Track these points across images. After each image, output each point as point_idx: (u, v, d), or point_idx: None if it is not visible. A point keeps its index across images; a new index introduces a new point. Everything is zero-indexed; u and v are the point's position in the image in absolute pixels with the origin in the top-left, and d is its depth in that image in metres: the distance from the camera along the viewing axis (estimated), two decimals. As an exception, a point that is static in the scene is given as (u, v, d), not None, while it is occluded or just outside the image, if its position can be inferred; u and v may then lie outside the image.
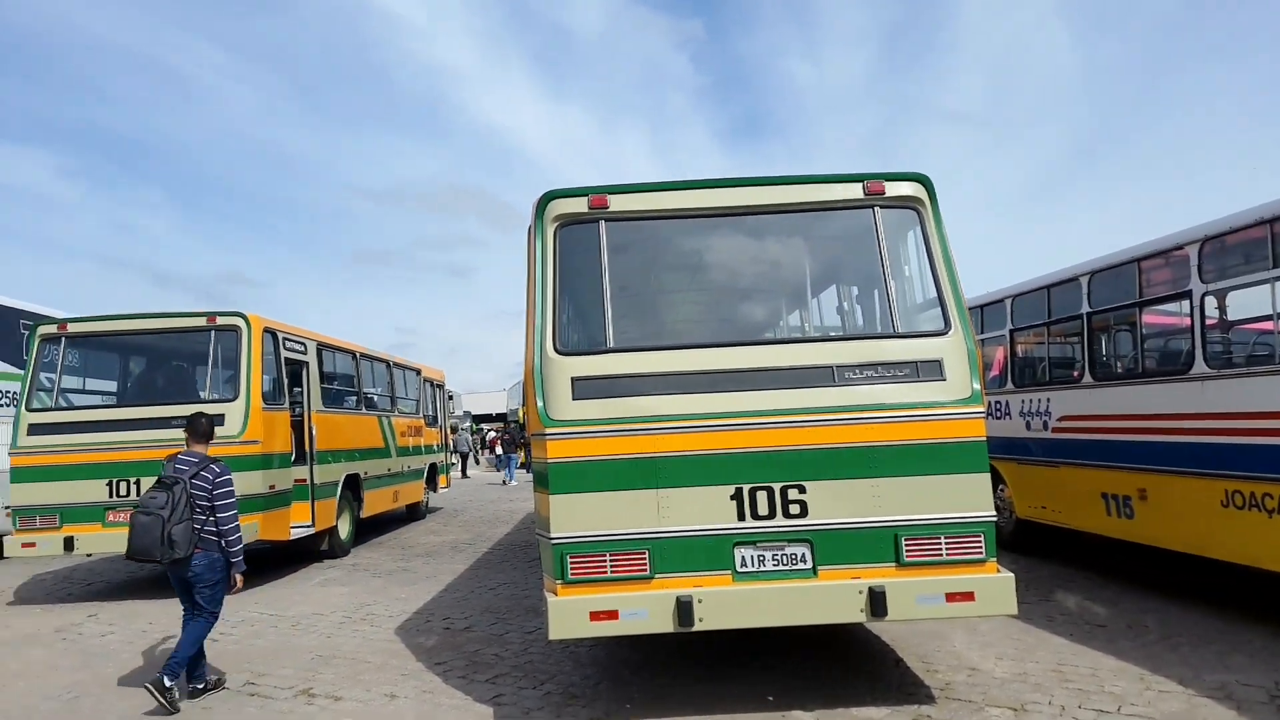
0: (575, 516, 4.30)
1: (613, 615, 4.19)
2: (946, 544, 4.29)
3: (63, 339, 8.91)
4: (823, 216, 4.79)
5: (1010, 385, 8.51)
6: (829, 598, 4.26)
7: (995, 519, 4.40)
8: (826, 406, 4.36)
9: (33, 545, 8.19)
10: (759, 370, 4.45)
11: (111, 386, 10.35)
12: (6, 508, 8.50)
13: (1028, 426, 8.15)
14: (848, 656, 5.42)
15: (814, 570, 4.30)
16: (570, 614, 4.20)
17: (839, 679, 4.93)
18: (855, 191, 4.64)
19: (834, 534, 4.31)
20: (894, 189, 4.66)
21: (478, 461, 35.10)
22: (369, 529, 13.02)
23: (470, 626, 6.59)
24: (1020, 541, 8.67)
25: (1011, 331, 8.56)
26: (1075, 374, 7.55)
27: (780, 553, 4.32)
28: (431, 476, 15.86)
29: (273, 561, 10.31)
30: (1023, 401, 8.25)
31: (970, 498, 4.32)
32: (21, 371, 9.68)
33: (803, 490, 4.32)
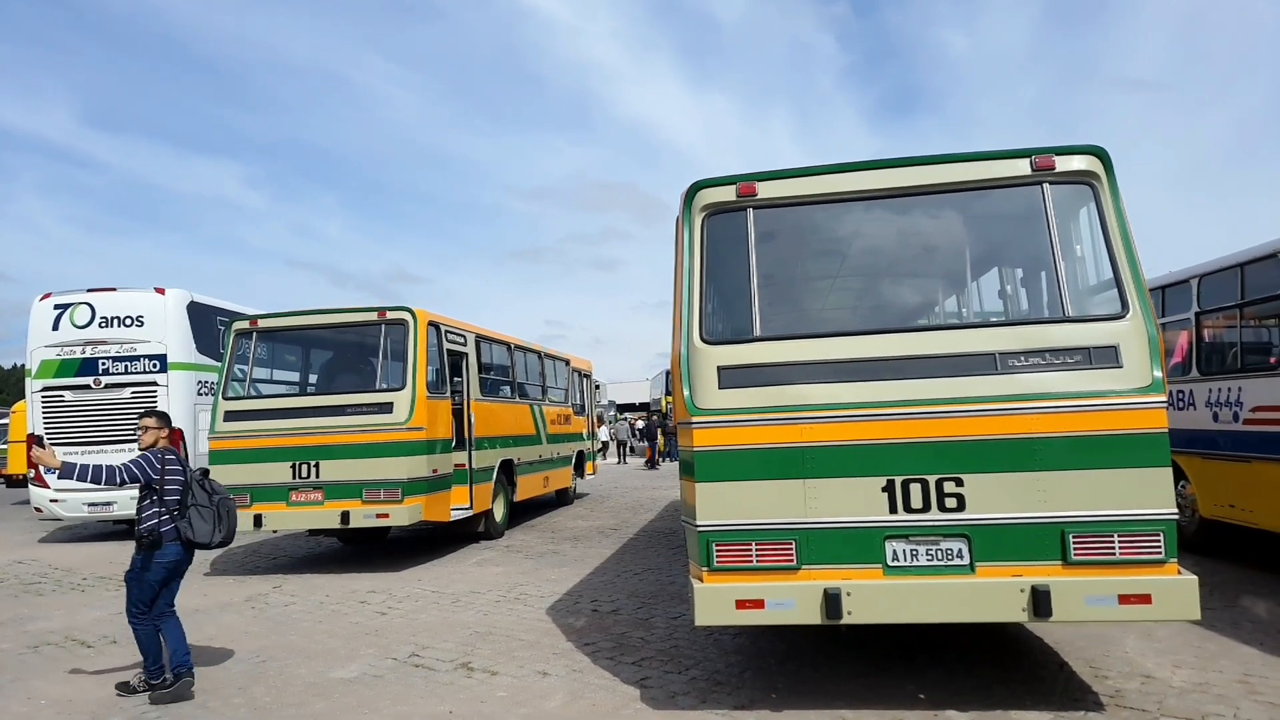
0: (721, 505, 4.30)
1: (758, 604, 4.16)
2: (1120, 542, 3.99)
3: (253, 333, 9.77)
4: (985, 196, 4.53)
5: (1195, 373, 7.78)
6: (987, 596, 4.06)
7: (1176, 517, 4.04)
8: (988, 396, 4.14)
9: (228, 520, 9.02)
10: (914, 358, 4.28)
11: (294, 376, 11.28)
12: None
13: (1215, 418, 7.42)
14: (1005, 657, 5.14)
15: (971, 566, 4.11)
16: (716, 601, 4.21)
17: (996, 679, 4.69)
18: (1021, 168, 4.37)
19: (994, 529, 4.10)
20: (1065, 163, 4.35)
21: (632, 450, 35.70)
22: (521, 513, 13.55)
23: (617, 610, 6.74)
24: (1204, 543, 7.93)
25: (1198, 315, 7.81)
26: (1272, 360, 6.81)
27: (935, 547, 4.15)
28: (579, 463, 16.31)
29: (434, 542, 10.94)
30: (1209, 391, 7.52)
31: (1148, 494, 3.99)
32: (220, 364, 10.70)
33: (960, 483, 4.13)
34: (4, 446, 21.96)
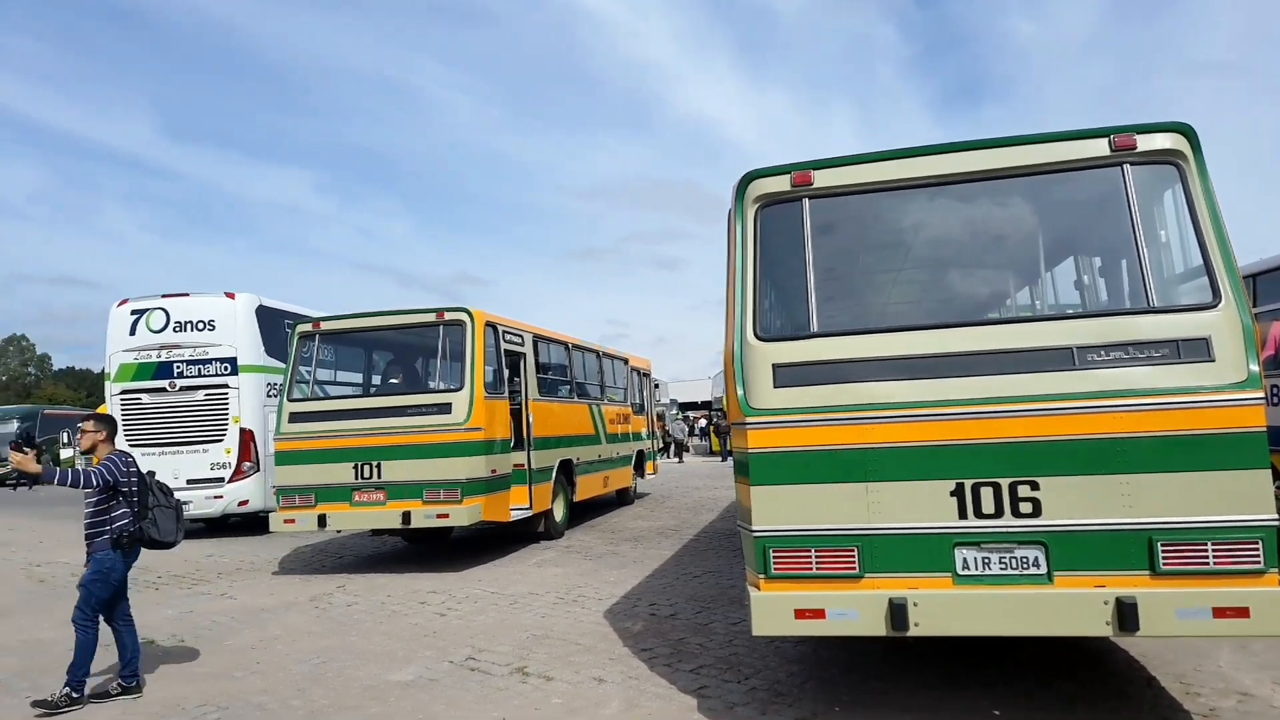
0: (778, 509, 4.12)
1: (819, 614, 3.97)
2: (1214, 551, 3.68)
3: (316, 336, 9.93)
4: (1060, 179, 4.24)
5: (1295, 368, 7.26)
6: (1067, 607, 3.79)
7: (1277, 523, 3.71)
8: (1065, 393, 3.87)
9: (292, 521, 9.19)
10: (984, 353, 4.03)
11: (356, 377, 11.45)
12: (274, 487, 9.61)
13: (1319, 416, 6.90)
14: (1086, 670, 4.84)
15: (1049, 576, 3.84)
16: (774, 610, 4.04)
17: (1076, 695, 4.41)
18: (1100, 148, 4.07)
19: (1073, 536, 3.83)
20: (1147, 142, 4.04)
21: (689, 448, 35.60)
22: (581, 513, 13.53)
23: (675, 614, 6.60)
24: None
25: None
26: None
27: (1009, 555, 3.90)
28: (640, 463, 16.22)
29: (495, 541, 10.98)
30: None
31: (1245, 498, 3.67)
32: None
33: (1035, 487, 3.87)
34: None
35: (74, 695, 4.90)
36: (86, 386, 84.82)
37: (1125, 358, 3.86)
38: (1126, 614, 3.65)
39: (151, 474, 5.33)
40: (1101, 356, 3.88)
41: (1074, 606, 3.77)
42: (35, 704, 4.86)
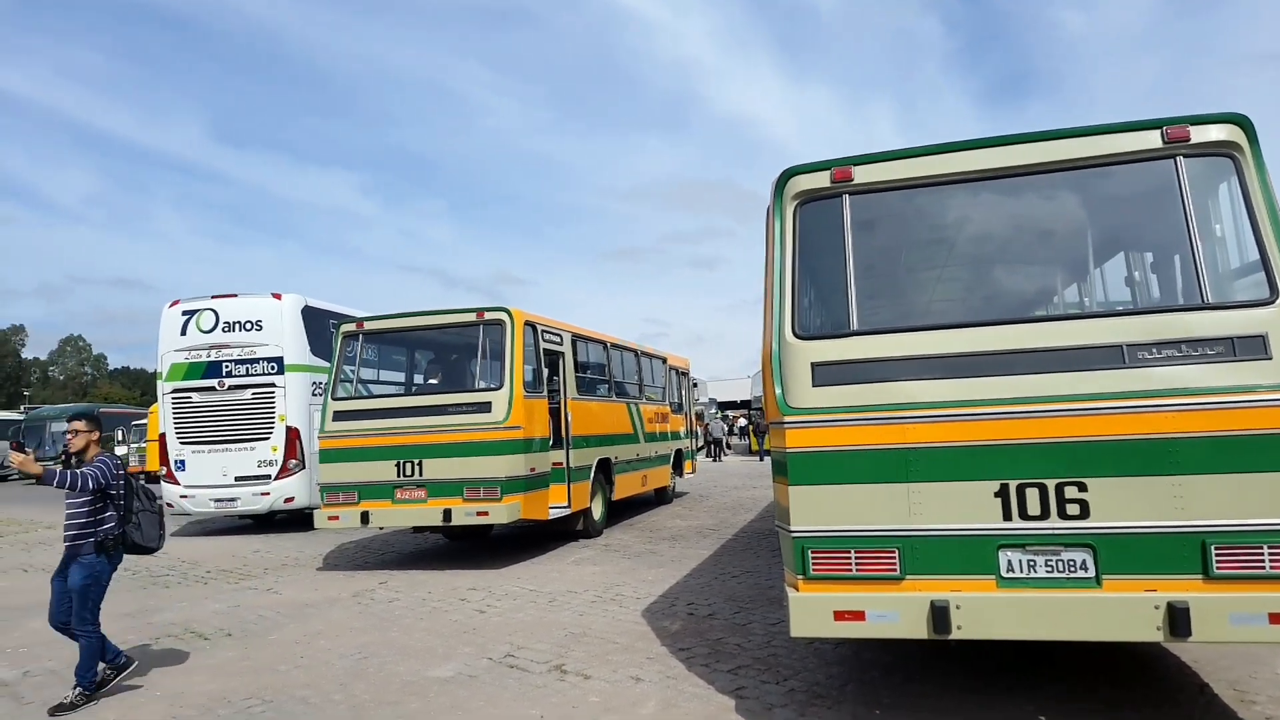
0: (817, 509, 4.07)
1: (858, 616, 3.92)
2: (1270, 555, 3.55)
3: (359, 335, 10.08)
4: (1109, 173, 4.12)
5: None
6: (1116, 612, 3.68)
7: None
8: (1115, 392, 3.76)
9: (336, 518, 9.33)
10: (1030, 351, 3.93)
11: (398, 376, 11.60)
12: (318, 484, 9.78)
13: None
14: (1135, 675, 4.71)
15: (1097, 580, 3.74)
16: (813, 612, 3.99)
17: (1124, 700, 4.29)
18: (1151, 140, 3.96)
19: (1123, 539, 3.72)
20: (1201, 134, 3.91)
21: (729, 447, 35.50)
22: (620, 511, 13.54)
23: (713, 614, 6.57)
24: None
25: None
26: None
27: (1055, 558, 3.80)
28: (678, 461, 16.19)
29: (535, 539, 11.04)
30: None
31: None
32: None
33: (1083, 488, 3.77)
34: (143, 445, 23.57)
35: (88, 693, 4.95)
36: (140, 385, 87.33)
37: (1178, 355, 3.74)
38: (1178, 619, 3.54)
39: (135, 477, 5.37)
40: (1153, 354, 3.77)
41: (1123, 611, 3.67)
42: (52, 711, 4.84)
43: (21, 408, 56.64)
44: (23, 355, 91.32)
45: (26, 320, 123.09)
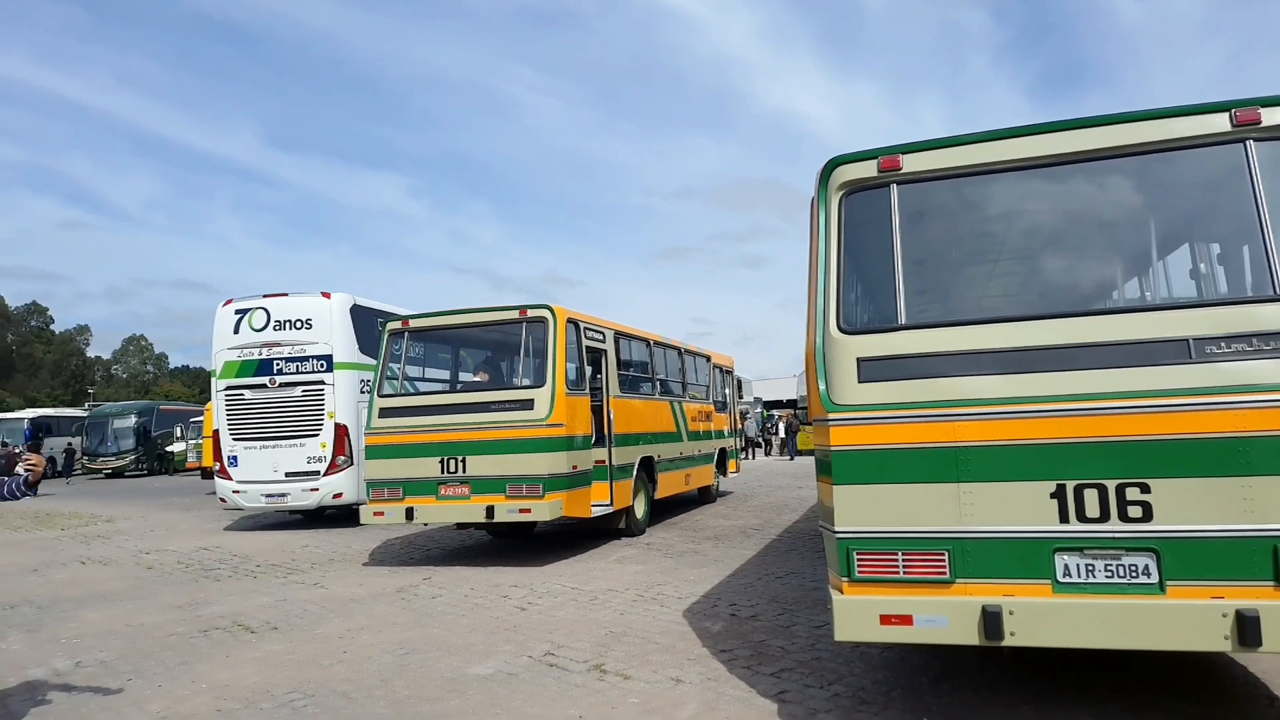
0: (862, 509, 3.94)
1: (906, 620, 3.78)
2: (1348, 562, 3.34)
3: (405, 333, 10.17)
4: (1173, 158, 3.91)
5: None
6: (1181, 620, 3.49)
7: None
8: (1181, 388, 3.57)
9: (381, 514, 9.42)
10: (1089, 346, 3.75)
11: (443, 374, 11.69)
12: (364, 480, 9.88)
13: None
14: (1199, 686, 4.48)
15: (1160, 586, 3.55)
16: (858, 615, 3.87)
17: (1188, 714, 4.07)
18: (1219, 123, 3.74)
19: (1189, 543, 3.53)
20: (1273, 116, 3.69)
21: (760, 444, 35.24)
22: (663, 510, 13.46)
23: (756, 615, 6.45)
24: None
25: None
26: None
27: (1115, 563, 3.62)
28: (722, 460, 16.06)
29: (577, 537, 11.02)
30: None
31: None
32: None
33: (1146, 489, 3.58)
34: (199, 441, 24.20)
35: None
36: (200, 384, 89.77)
37: (1249, 350, 3.53)
38: (1247, 628, 3.34)
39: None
40: (1222, 349, 3.56)
41: (1188, 619, 3.48)
42: None
43: (85, 405, 58.69)
44: (87, 354, 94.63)
45: (92, 321, 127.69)
